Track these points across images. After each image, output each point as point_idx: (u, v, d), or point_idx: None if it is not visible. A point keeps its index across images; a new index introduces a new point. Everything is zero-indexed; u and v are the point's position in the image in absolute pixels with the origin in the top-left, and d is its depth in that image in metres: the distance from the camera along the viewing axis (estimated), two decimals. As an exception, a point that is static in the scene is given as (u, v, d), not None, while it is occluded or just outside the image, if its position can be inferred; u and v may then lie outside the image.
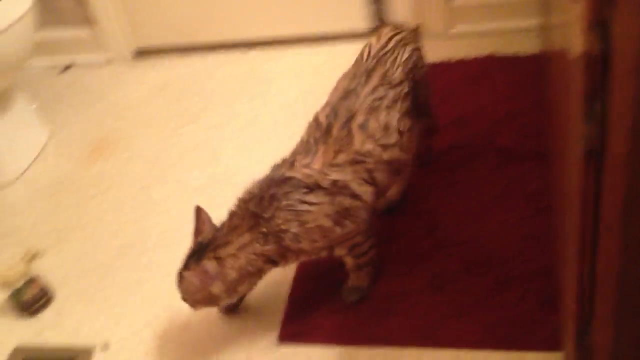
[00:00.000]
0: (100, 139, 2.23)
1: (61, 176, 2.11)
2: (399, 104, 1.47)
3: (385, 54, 1.54)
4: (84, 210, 1.96)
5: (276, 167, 1.42)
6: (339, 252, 1.45)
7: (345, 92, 1.47)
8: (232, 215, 1.39)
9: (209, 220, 1.42)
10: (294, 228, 1.35)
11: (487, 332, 1.39)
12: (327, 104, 1.49)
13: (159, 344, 1.54)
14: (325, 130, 1.42)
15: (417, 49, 1.61)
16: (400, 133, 1.46)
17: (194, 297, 1.38)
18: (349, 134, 1.40)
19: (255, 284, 1.43)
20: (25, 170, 2.14)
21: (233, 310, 1.57)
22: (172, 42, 2.56)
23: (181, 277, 1.37)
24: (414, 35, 1.63)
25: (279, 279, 1.58)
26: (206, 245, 1.36)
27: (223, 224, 1.40)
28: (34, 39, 2.14)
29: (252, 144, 2.09)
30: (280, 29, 2.46)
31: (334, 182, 1.37)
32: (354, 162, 1.39)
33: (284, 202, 1.34)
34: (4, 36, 1.96)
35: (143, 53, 2.60)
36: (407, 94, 1.50)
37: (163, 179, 2.02)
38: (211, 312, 1.54)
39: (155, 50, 2.58)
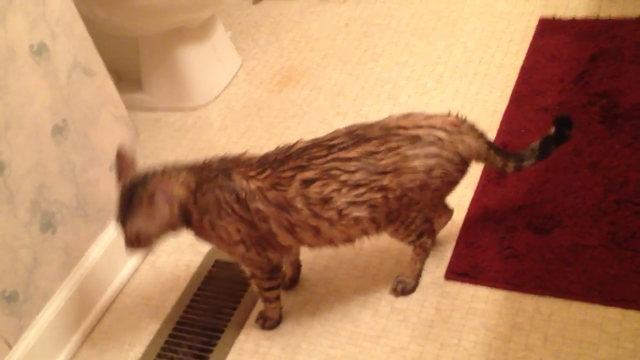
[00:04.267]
0: (287, 69, 2.37)
1: (250, 101, 2.28)
2: (361, 191, 1.31)
3: (395, 135, 1.33)
4: (270, 134, 2.12)
5: (233, 160, 1.38)
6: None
7: (324, 140, 1.36)
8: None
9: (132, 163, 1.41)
10: (214, 217, 1.35)
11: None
12: (312, 140, 1.38)
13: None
14: (282, 160, 1.35)
15: (448, 162, 1.34)
16: (341, 215, 1.33)
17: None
18: (291, 180, 1.33)
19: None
20: (220, 94, 2.33)
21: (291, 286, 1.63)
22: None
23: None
24: (462, 147, 1.35)
25: (450, 220, 1.64)
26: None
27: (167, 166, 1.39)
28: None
29: (431, 85, 2.12)
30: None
31: (257, 210, 1.34)
32: (280, 207, 1.34)
33: (217, 192, 1.34)
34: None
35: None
36: (382, 189, 1.32)
37: (343, 112, 2.13)
38: (379, 249, 1.64)
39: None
